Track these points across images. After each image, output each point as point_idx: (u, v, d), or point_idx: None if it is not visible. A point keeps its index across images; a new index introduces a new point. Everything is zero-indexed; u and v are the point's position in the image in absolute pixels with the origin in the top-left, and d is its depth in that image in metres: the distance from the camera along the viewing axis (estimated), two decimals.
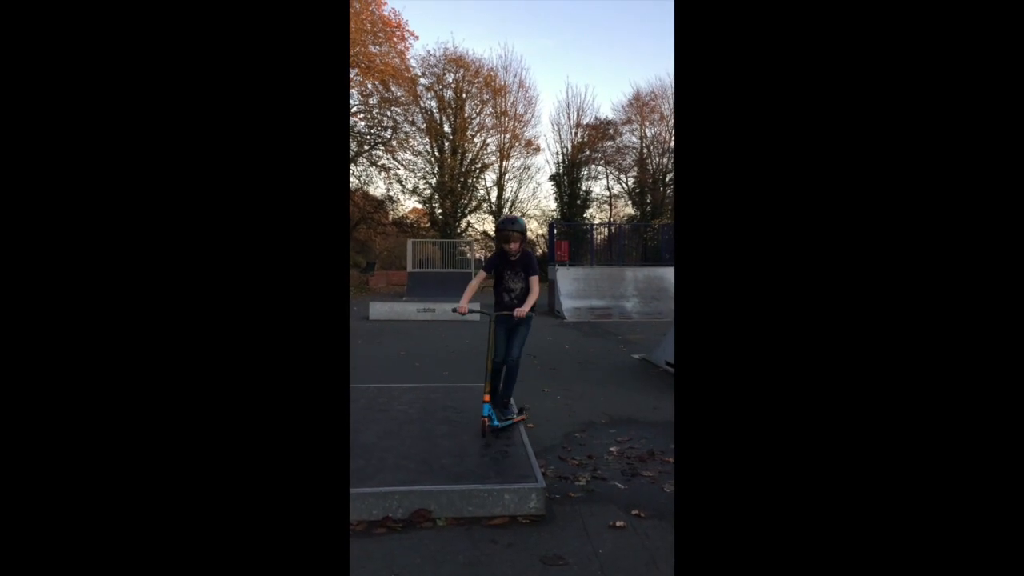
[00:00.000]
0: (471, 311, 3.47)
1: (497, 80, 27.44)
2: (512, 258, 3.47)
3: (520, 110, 28.24)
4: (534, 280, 3.47)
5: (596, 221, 26.87)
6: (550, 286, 13.31)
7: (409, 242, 19.70)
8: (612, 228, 18.32)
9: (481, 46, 49.07)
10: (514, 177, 29.16)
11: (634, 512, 2.63)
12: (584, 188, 28.80)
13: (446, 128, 27.18)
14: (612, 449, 3.52)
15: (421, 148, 27.10)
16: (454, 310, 3.48)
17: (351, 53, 21.02)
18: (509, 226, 3.43)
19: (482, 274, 3.59)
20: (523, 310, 3.36)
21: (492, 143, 28.15)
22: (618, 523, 2.51)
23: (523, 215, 31.20)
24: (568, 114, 29.12)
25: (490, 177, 28.50)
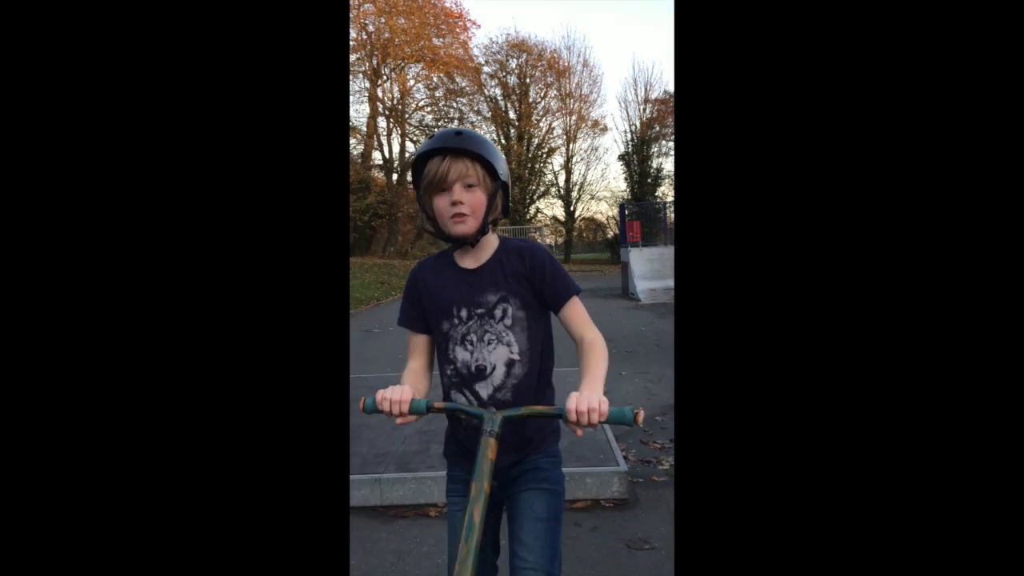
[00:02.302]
0: None
1: (560, 62, 27.09)
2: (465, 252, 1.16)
3: (585, 90, 27.78)
4: (570, 312, 1.12)
5: (669, 199, 26.04)
6: (623, 268, 13.06)
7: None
8: None
9: (543, 27, 48.55)
10: (582, 159, 28.78)
11: None
12: (655, 165, 27.95)
13: (511, 115, 27.20)
14: None
15: (487, 137, 27.23)
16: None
17: (416, 48, 21.40)
18: (452, 139, 1.09)
19: (417, 343, 1.19)
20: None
21: (558, 126, 27.90)
22: None
23: (592, 197, 30.17)
24: (635, 90, 28.36)
25: (557, 161, 28.26)
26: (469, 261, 1.15)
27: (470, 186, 1.09)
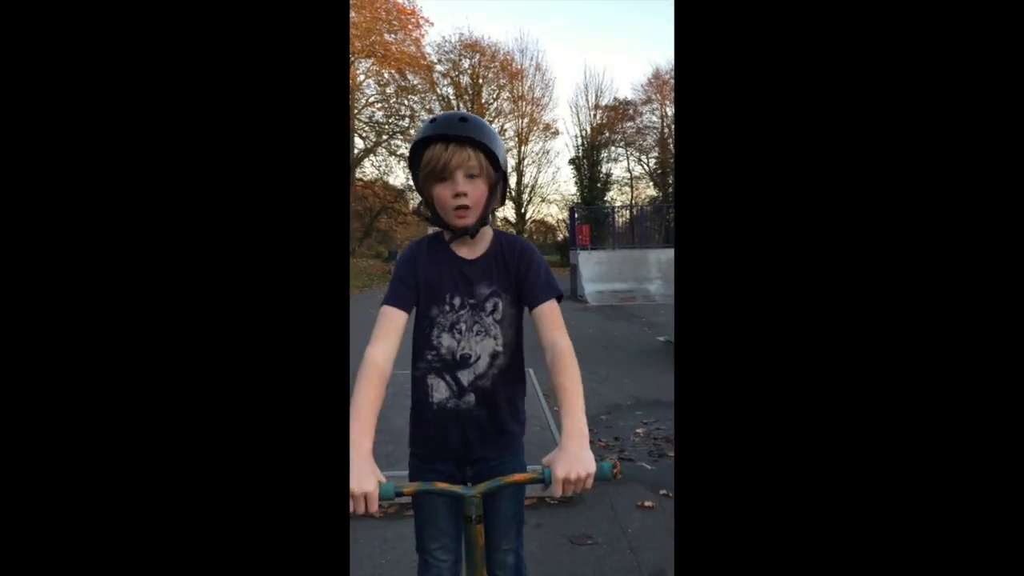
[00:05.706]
0: (386, 500, 0.89)
1: (513, 64, 27.21)
2: (457, 248, 1.13)
3: (537, 93, 28.00)
4: (546, 312, 1.07)
5: (617, 204, 26.55)
6: (572, 270, 13.24)
7: (430, 230, 19.69)
8: (634, 210, 18.09)
9: (496, 30, 48.67)
10: (533, 162, 28.98)
11: (662, 492, 2.62)
12: (604, 171, 28.51)
13: None
14: (639, 431, 3.51)
15: None
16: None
17: (367, 43, 21.02)
18: (456, 125, 1.03)
19: (395, 321, 1.08)
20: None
21: (510, 128, 27.97)
22: (646, 503, 2.51)
23: (543, 199, 30.35)
24: (586, 95, 28.78)
25: (509, 163, 28.28)
26: (465, 250, 1.13)
27: (472, 176, 1.05)
